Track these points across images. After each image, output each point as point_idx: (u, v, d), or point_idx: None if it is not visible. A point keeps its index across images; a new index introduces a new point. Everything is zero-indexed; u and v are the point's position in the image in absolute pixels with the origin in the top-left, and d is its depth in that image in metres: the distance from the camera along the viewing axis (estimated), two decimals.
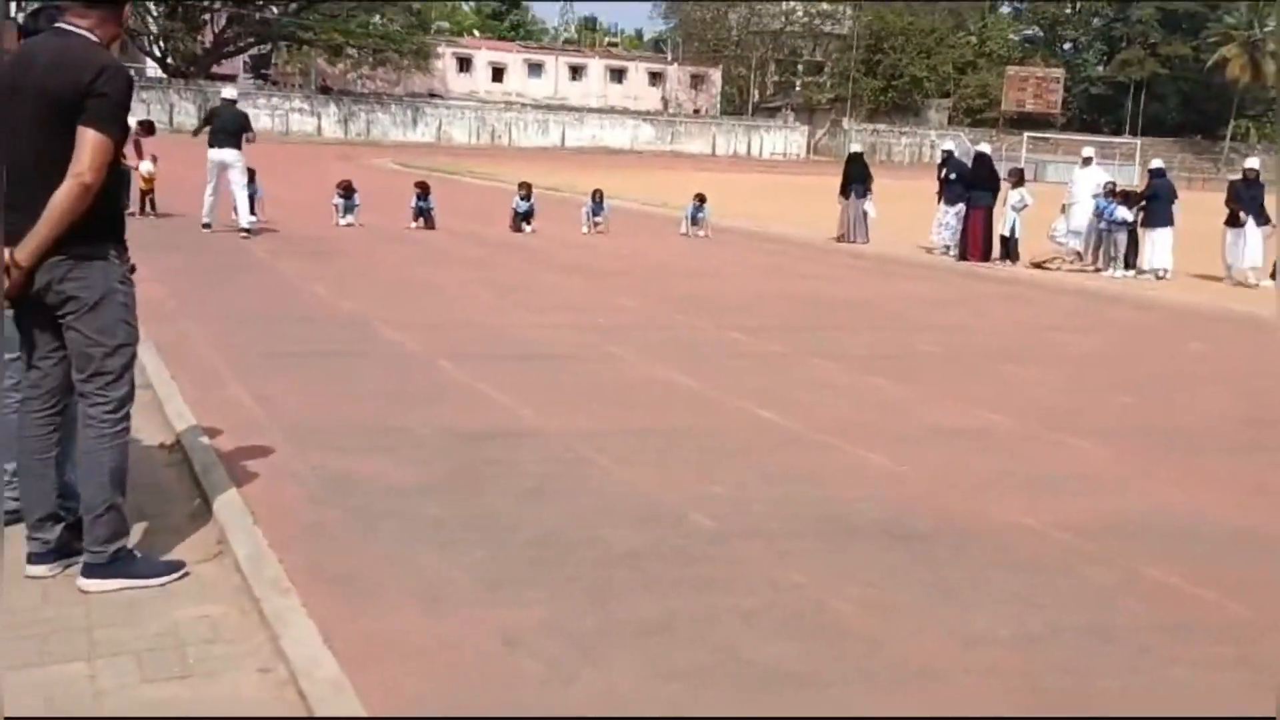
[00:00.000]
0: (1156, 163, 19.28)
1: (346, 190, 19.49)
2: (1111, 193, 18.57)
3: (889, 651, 4.06)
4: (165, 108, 61.94)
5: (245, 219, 16.74)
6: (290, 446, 6.16)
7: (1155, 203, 17.88)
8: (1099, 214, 18.38)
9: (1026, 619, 4.41)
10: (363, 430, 6.66)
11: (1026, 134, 72.37)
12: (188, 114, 67.52)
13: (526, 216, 20.31)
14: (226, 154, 16.80)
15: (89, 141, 3.93)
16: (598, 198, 21.10)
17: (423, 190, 20.07)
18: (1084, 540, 5.36)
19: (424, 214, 19.81)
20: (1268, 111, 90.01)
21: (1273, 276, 16.99)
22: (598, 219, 20.94)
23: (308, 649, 3.70)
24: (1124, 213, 17.92)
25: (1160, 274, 17.60)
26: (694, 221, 21.39)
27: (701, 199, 21.52)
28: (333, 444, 6.30)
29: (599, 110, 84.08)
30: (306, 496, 5.41)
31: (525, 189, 20.50)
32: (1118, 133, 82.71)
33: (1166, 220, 17.81)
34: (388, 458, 6.12)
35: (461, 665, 3.78)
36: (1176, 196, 18.29)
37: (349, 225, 19.11)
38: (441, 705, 3.50)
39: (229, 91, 19.08)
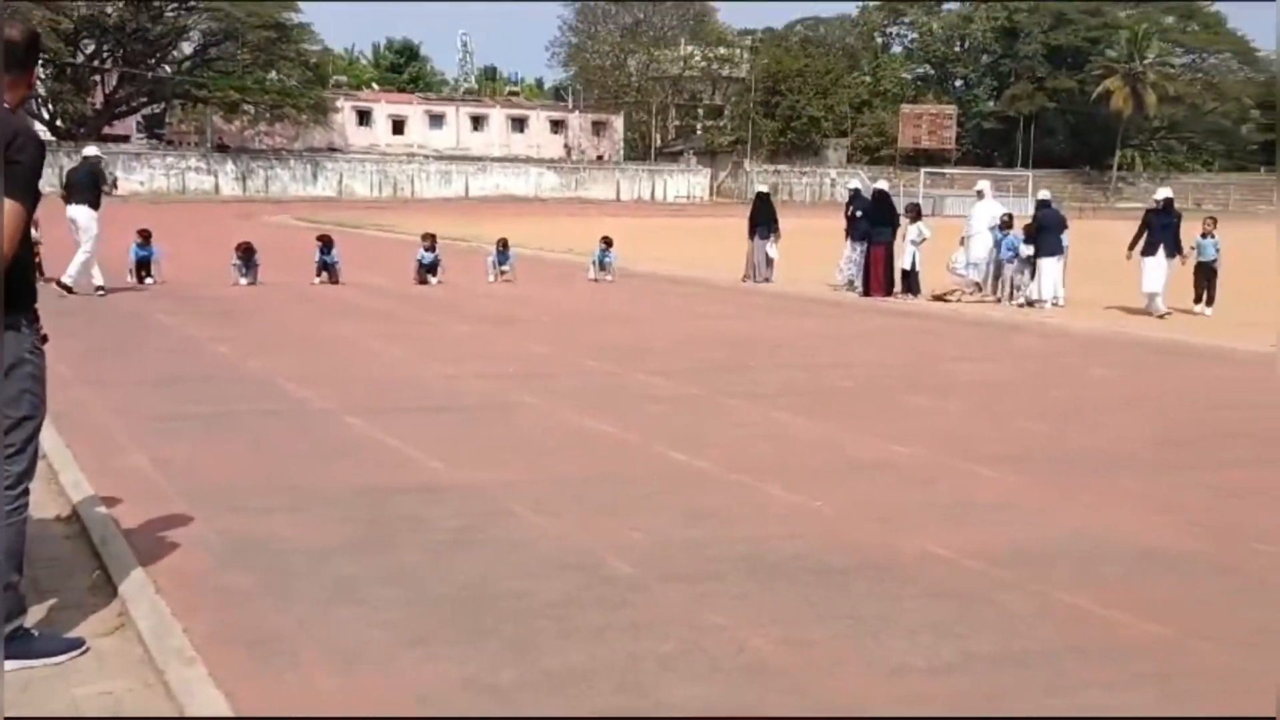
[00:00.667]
0: (1043, 194, 19.85)
1: (246, 253, 19.13)
2: (1007, 224, 19.07)
3: (810, 688, 4.05)
4: (55, 170, 60.44)
5: (69, 275, 16.18)
6: (194, 512, 5.99)
7: (1043, 233, 18.36)
8: (997, 245, 18.86)
9: (943, 648, 4.44)
10: (270, 491, 6.51)
11: (923, 170, 74.22)
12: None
13: (431, 268, 20.18)
14: (75, 210, 16.41)
15: (3, 210, 3.79)
16: (503, 246, 21.06)
17: (326, 243, 19.84)
18: (997, 568, 5.42)
19: (328, 268, 19.57)
20: (1151, 140, 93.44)
21: (1199, 301, 17.54)
22: (504, 268, 20.89)
23: None
24: (1025, 247, 18.38)
25: (1053, 302, 18.05)
26: (601, 266, 21.45)
27: (608, 243, 21.60)
28: (239, 506, 6.14)
29: (502, 159, 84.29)
30: (212, 562, 5.25)
31: (429, 240, 20.38)
32: (1010, 165, 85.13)
33: (1055, 250, 18.30)
34: (297, 518, 5.98)
35: None
36: (1065, 226, 18.81)
37: (250, 284, 18.79)
38: None
39: (90, 150, 18.76)
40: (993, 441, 8.34)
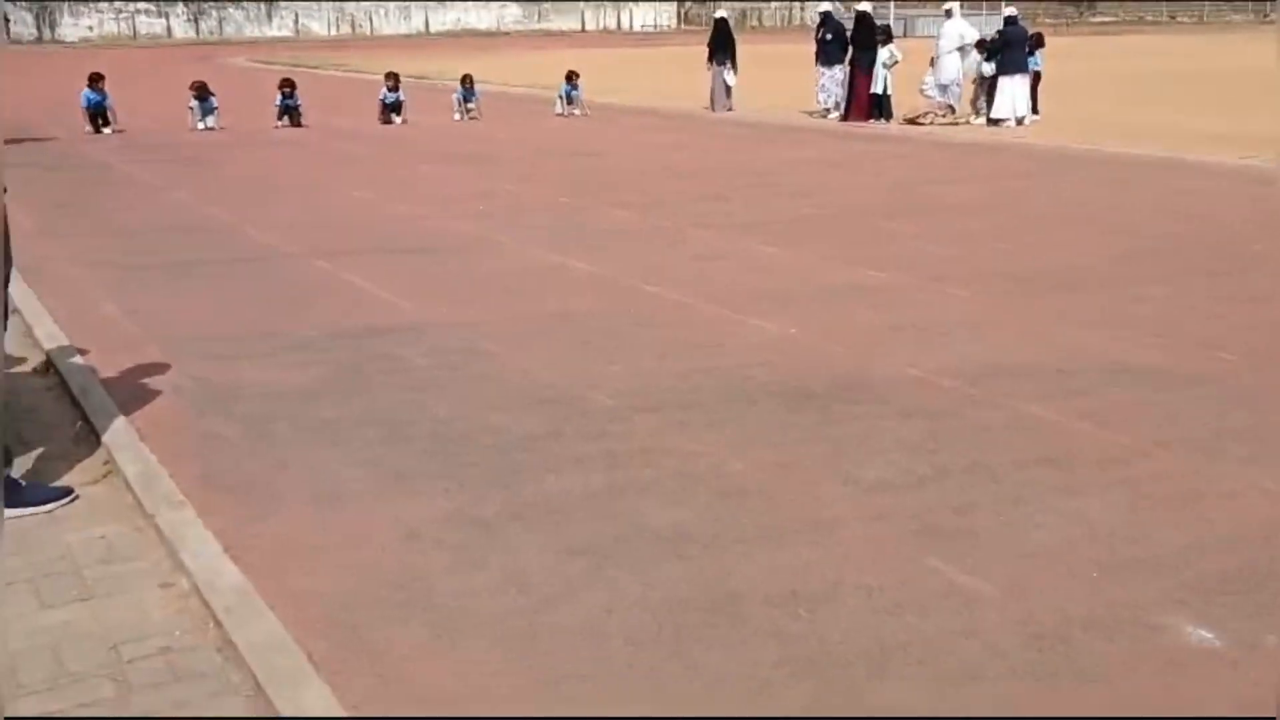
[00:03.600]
0: (1008, 10, 19.46)
1: (201, 91, 18.72)
2: (980, 45, 18.78)
3: (786, 508, 4.17)
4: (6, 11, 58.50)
5: None
6: (170, 360, 6.00)
7: (1007, 50, 18.07)
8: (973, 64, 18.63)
9: (916, 464, 4.55)
10: (244, 337, 6.51)
11: None
12: (24, 23, 64.01)
13: (395, 108, 19.80)
14: None
15: None
16: (468, 83, 20.62)
17: (289, 88, 19.40)
18: (968, 385, 5.52)
19: (290, 111, 19.17)
20: None
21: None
22: (469, 105, 20.50)
23: (208, 560, 3.66)
24: (986, 65, 18.15)
25: (1020, 120, 17.90)
26: (568, 100, 21.07)
27: (574, 77, 21.17)
28: (214, 354, 6.15)
29: None
30: (193, 409, 5.29)
31: (392, 79, 19.94)
32: None
33: (1020, 67, 18.05)
34: (272, 363, 6.01)
35: (366, 561, 3.77)
36: (1037, 44, 18.50)
37: (208, 129, 18.41)
38: (347, 600, 3.50)
39: None
40: (962, 262, 8.39)
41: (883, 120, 18.79)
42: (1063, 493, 4.28)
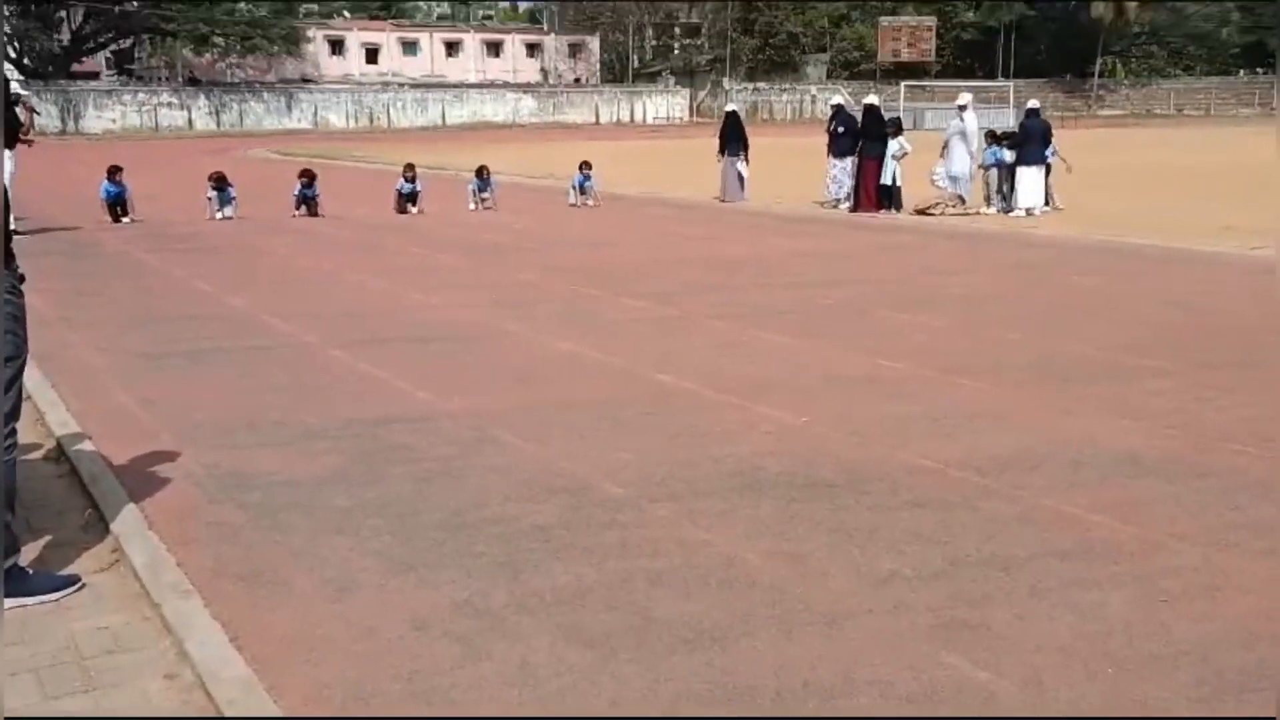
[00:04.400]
0: (1032, 103, 19.73)
1: (219, 182, 19.00)
2: (992, 136, 19.05)
3: (798, 599, 4.12)
4: (35, 104, 59.78)
5: None
6: (182, 448, 6.01)
7: (1027, 142, 18.34)
8: (990, 161, 18.89)
9: (929, 556, 4.51)
10: (258, 426, 6.53)
11: (904, 83, 73.49)
12: (50, 115, 65.30)
13: (412, 198, 20.06)
14: None
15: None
16: (483, 174, 20.91)
17: (308, 178, 19.69)
18: (981, 476, 5.49)
19: (307, 201, 19.44)
20: (1132, 47, 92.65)
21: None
22: (484, 195, 20.76)
23: (213, 650, 3.63)
24: (1007, 154, 18.42)
25: (1031, 211, 18.06)
26: (581, 191, 21.33)
27: (586, 167, 21.46)
28: (227, 442, 6.17)
29: (478, 85, 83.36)
30: (203, 497, 5.29)
31: (410, 171, 20.24)
32: (991, 76, 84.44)
33: (1037, 159, 18.28)
34: (286, 451, 6.01)
35: (373, 652, 3.73)
36: (1051, 136, 18.76)
37: (227, 219, 18.66)
38: (353, 693, 3.46)
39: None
40: (974, 353, 8.40)
41: (892, 210, 18.95)
42: (1078, 586, 4.23)
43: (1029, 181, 18.21)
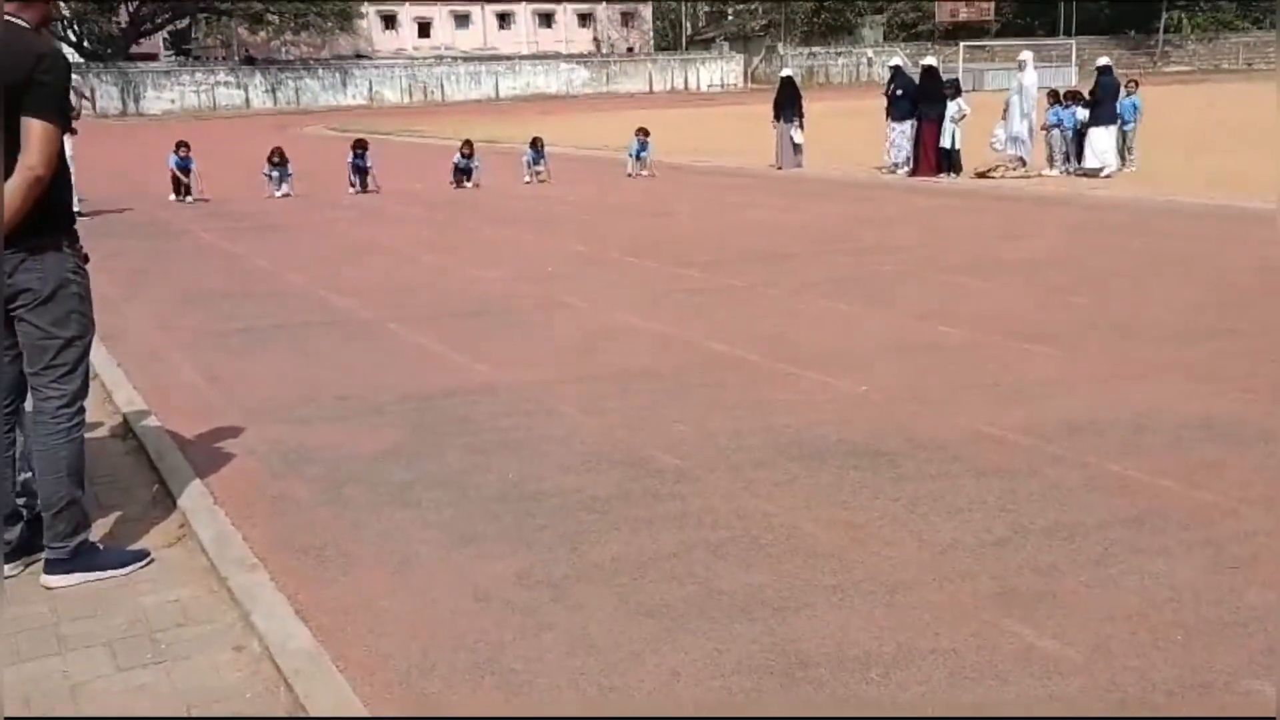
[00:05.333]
0: (1103, 60, 19.27)
1: (280, 159, 19.19)
2: (1057, 97, 18.67)
3: (860, 568, 4.09)
4: (86, 92, 60.62)
5: None
6: (246, 423, 6.09)
7: (1102, 101, 17.94)
8: (1048, 120, 18.54)
9: (993, 524, 4.46)
10: (318, 401, 6.59)
11: (963, 44, 72.25)
12: (110, 97, 66.29)
13: (467, 172, 20.13)
14: None
15: (36, 132, 3.80)
16: (538, 146, 20.89)
17: (361, 149, 19.81)
18: (1045, 442, 5.41)
19: (361, 173, 19.55)
20: (1198, 1, 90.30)
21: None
22: (538, 168, 20.75)
23: (280, 622, 3.68)
24: (1083, 112, 18.06)
25: (1104, 172, 17.71)
26: (638, 159, 21.23)
27: (644, 133, 21.34)
28: (290, 417, 6.24)
29: (531, 57, 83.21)
30: (267, 472, 5.36)
31: (467, 147, 20.29)
32: (1052, 34, 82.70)
33: (1110, 118, 17.90)
34: (347, 426, 6.07)
35: (435, 623, 3.76)
36: (1121, 93, 18.34)
37: (285, 196, 18.83)
38: (416, 663, 3.49)
39: None
40: (1038, 318, 8.27)
41: (951, 175, 18.69)
42: (1145, 553, 4.16)
43: (1103, 142, 17.82)
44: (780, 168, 21.26)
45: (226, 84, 71.73)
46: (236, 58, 75.99)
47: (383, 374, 7.16)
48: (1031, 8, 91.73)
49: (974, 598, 3.84)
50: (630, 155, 21.39)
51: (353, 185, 19.50)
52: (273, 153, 19.40)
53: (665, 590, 3.96)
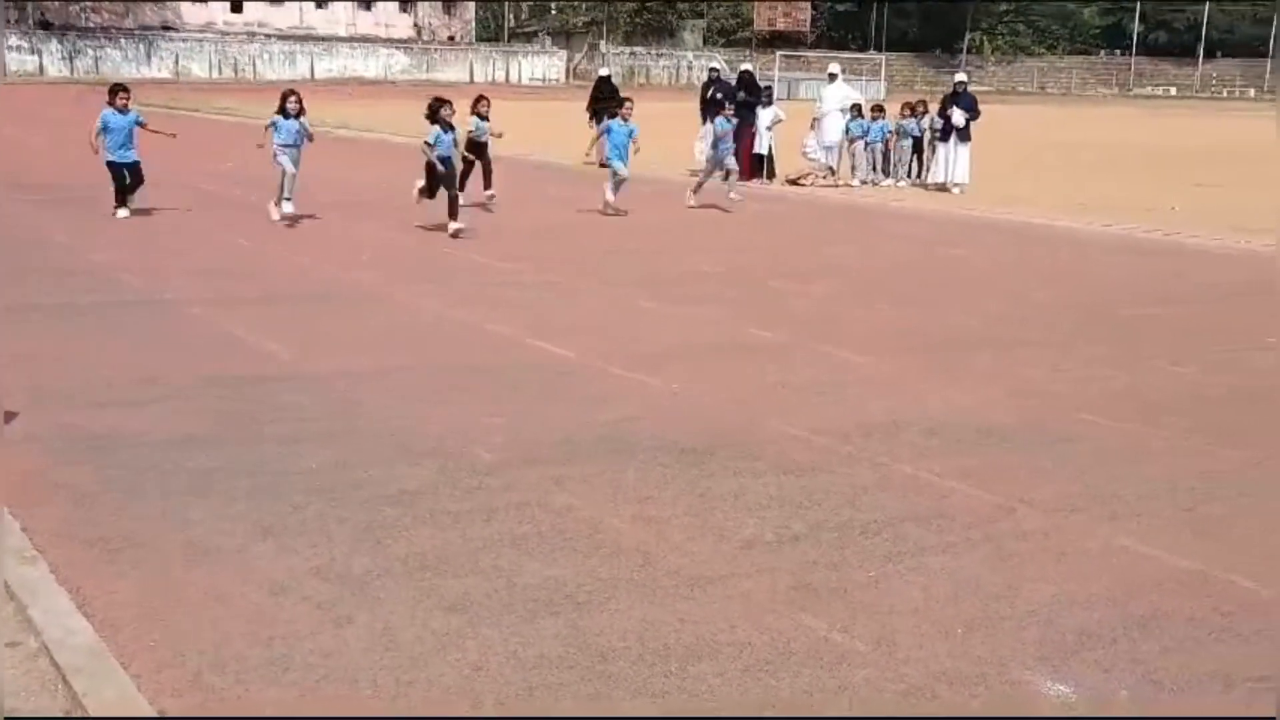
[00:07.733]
0: (960, 76, 19.79)
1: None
2: (859, 110, 19.25)
3: (663, 563, 4.17)
4: None
5: None
6: (37, 408, 5.77)
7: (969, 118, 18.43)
8: (853, 132, 19.08)
9: (791, 520, 4.60)
10: (118, 385, 6.31)
11: (779, 53, 74.01)
12: None
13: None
14: None
15: None
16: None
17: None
18: (843, 444, 5.62)
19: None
20: (999, 24, 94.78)
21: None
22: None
23: (59, 617, 3.52)
24: (925, 122, 18.69)
25: (959, 190, 18.14)
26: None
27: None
28: (87, 402, 5.95)
29: (349, 39, 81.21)
30: (55, 460, 5.09)
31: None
32: (864, 49, 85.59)
33: (968, 136, 18.35)
34: (148, 411, 5.83)
35: (229, 618, 3.66)
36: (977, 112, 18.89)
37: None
38: (210, 659, 3.38)
39: None
40: (847, 323, 8.56)
41: (765, 180, 19.13)
42: (932, 550, 4.36)
43: (965, 159, 18.26)
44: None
45: (19, 48, 67.66)
46: (31, 21, 71.75)
47: (187, 358, 6.88)
48: (846, 22, 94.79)
49: (771, 592, 3.96)
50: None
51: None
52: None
53: (468, 585, 3.95)
